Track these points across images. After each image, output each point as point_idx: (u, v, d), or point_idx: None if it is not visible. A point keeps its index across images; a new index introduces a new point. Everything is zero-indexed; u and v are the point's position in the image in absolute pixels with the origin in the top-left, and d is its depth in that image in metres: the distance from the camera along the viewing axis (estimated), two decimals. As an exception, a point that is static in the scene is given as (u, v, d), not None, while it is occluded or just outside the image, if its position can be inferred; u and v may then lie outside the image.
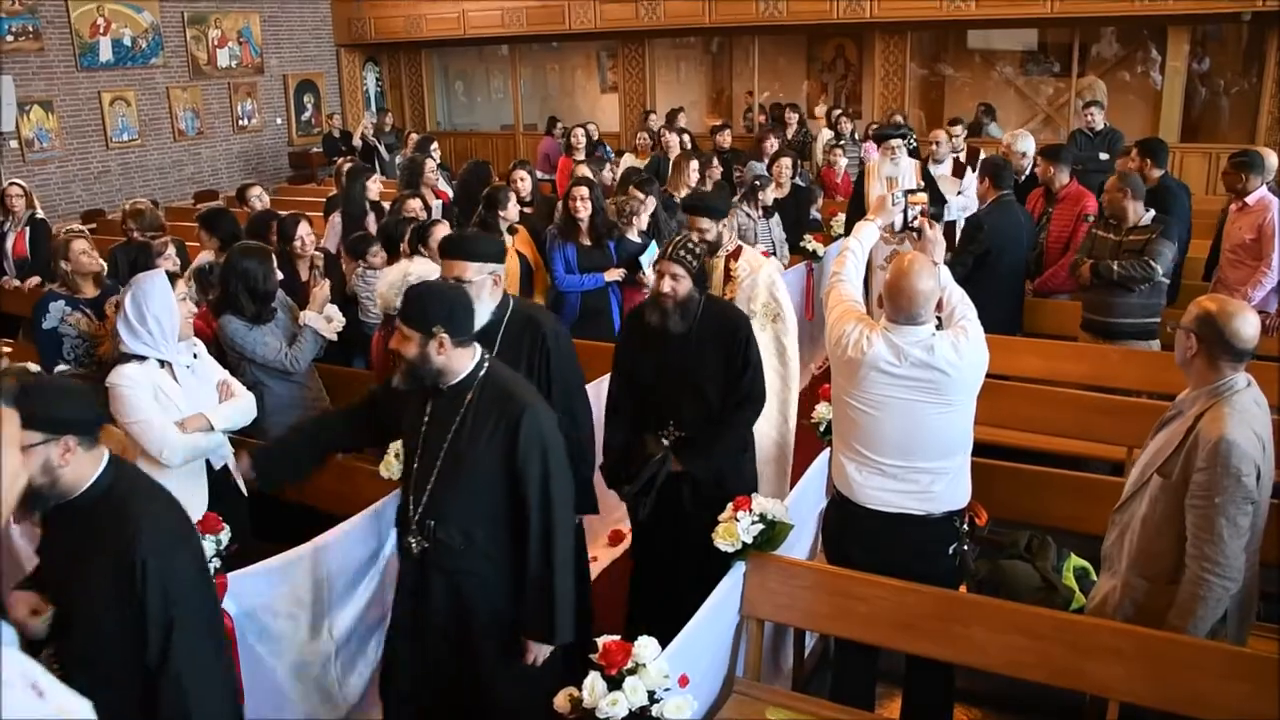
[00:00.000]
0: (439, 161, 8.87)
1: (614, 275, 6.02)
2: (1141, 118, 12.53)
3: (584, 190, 5.95)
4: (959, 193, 7.95)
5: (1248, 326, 2.96)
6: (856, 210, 7.22)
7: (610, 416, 4.09)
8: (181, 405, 3.69)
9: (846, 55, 14.37)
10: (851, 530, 3.48)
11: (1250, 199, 5.88)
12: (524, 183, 6.91)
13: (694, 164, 7.69)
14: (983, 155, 8.67)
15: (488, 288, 3.50)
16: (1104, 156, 8.50)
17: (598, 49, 15.96)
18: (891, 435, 3.30)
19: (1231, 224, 6.02)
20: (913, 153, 8.14)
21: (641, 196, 6.41)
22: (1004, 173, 6.29)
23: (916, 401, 3.25)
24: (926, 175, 7.60)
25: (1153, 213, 5.45)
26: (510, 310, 3.66)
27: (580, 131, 9.93)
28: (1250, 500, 2.88)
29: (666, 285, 3.78)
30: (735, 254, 4.74)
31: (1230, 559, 2.89)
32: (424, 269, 4.45)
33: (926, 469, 3.32)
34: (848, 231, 7.36)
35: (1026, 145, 7.37)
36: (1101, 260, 5.41)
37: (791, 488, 4.21)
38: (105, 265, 5.26)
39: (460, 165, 9.38)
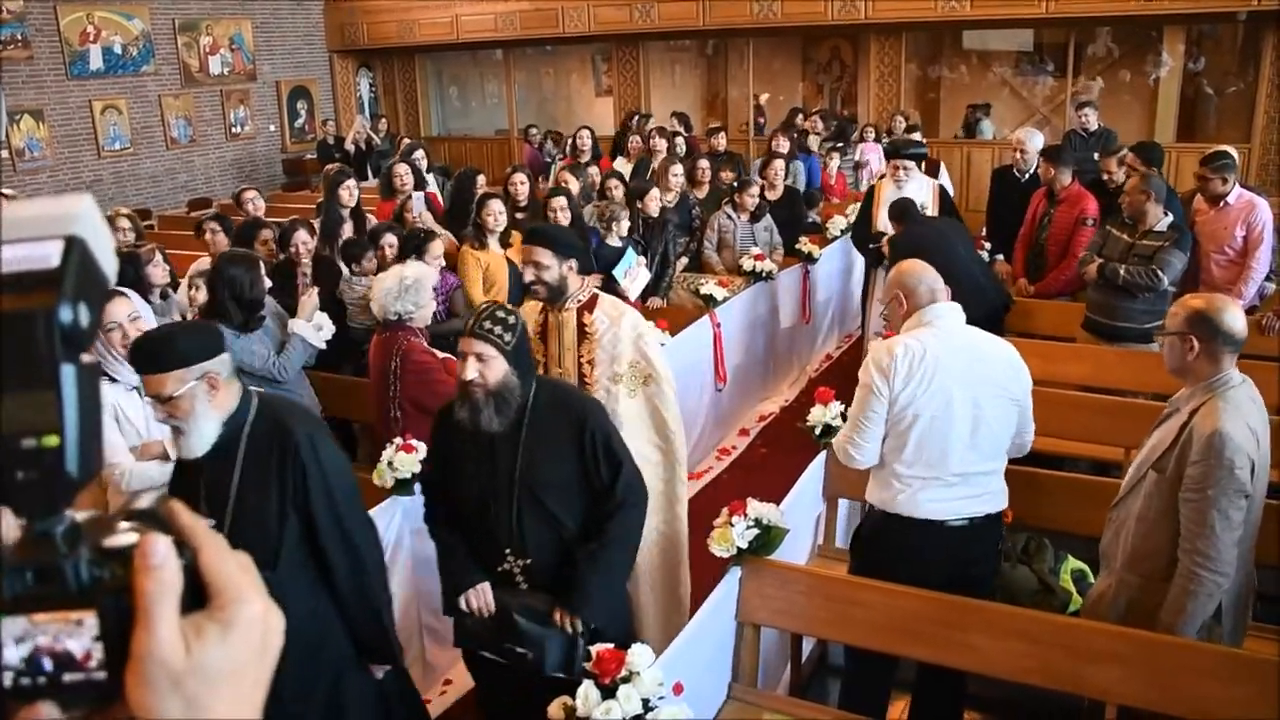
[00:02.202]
0: (429, 165, 8.85)
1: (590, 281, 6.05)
2: (1137, 118, 12.53)
3: (562, 200, 6.10)
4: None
5: (1240, 317, 3.05)
6: (862, 228, 7.01)
7: (432, 530, 3.26)
8: (142, 430, 3.63)
9: (842, 57, 14.36)
10: (893, 544, 3.40)
11: (1231, 198, 5.89)
12: (523, 186, 6.93)
13: (677, 168, 7.67)
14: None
15: (200, 397, 2.66)
16: (1097, 157, 8.47)
17: (592, 52, 15.93)
18: (962, 438, 3.25)
19: (1213, 225, 5.98)
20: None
21: (622, 201, 6.45)
22: (909, 211, 6.20)
23: (979, 396, 3.24)
24: (944, 196, 6.92)
25: (1170, 218, 5.39)
26: (253, 416, 2.78)
27: (585, 134, 9.92)
28: (1243, 493, 2.88)
29: (471, 370, 2.93)
30: (590, 304, 3.83)
31: (1222, 553, 2.89)
32: (418, 271, 4.44)
33: (989, 470, 3.34)
34: (860, 248, 7.15)
35: (1037, 143, 7.33)
36: (1111, 260, 5.38)
37: (692, 609, 3.63)
38: None
39: (455, 171, 9.37)
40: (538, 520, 3.06)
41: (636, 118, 11.88)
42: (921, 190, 6.73)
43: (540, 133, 12.42)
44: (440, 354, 4.37)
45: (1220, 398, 2.96)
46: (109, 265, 0.63)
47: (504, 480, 3.04)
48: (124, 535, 0.63)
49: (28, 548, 0.61)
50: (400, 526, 3.96)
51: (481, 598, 3.09)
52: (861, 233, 7.06)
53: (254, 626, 0.65)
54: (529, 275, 3.64)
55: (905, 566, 3.31)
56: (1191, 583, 2.92)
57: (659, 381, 3.77)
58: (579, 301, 3.81)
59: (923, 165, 6.78)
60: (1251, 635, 3.47)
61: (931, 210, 6.58)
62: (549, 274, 3.66)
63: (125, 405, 3.61)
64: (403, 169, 7.65)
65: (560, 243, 3.73)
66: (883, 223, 6.51)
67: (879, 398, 3.23)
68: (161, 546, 0.62)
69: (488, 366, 2.94)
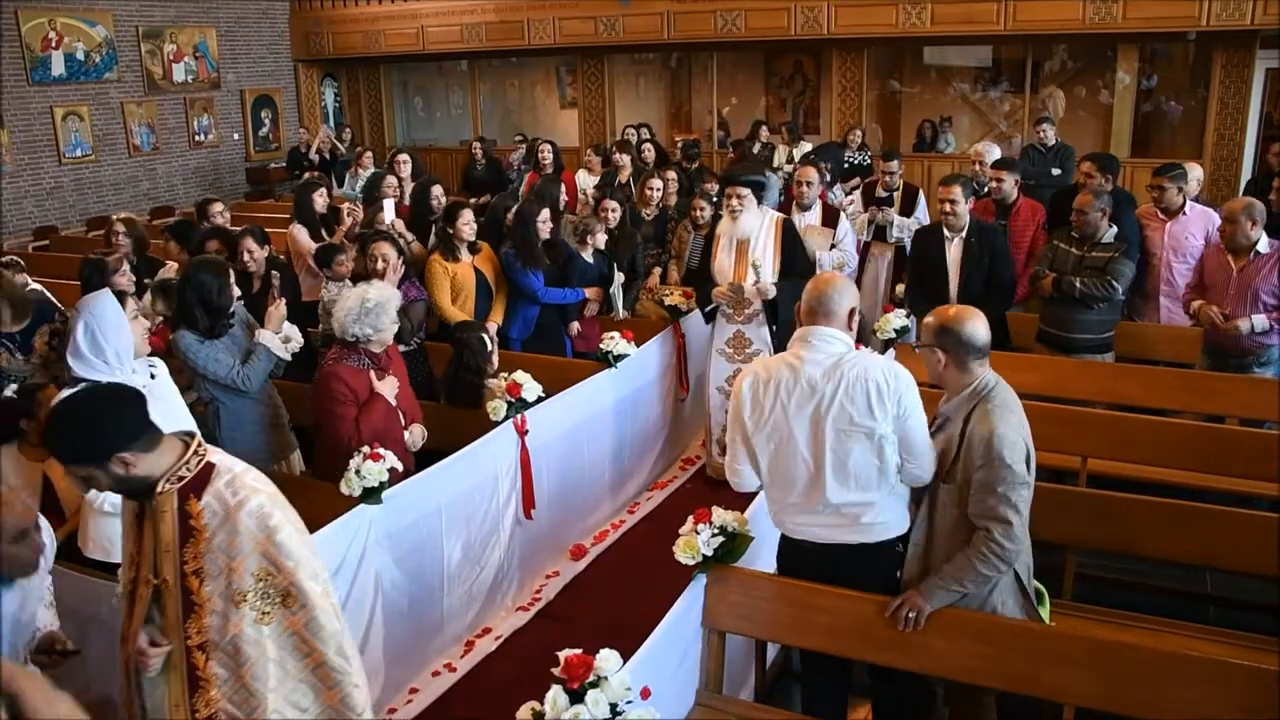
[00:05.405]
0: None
1: (592, 293, 6.33)
2: (1093, 133, 12.77)
3: (545, 214, 6.19)
4: (832, 247, 6.57)
5: (982, 327, 3.16)
6: (703, 275, 5.99)
7: None
8: None
9: (805, 71, 14.52)
10: (797, 562, 3.44)
11: (1188, 208, 6.05)
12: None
13: (655, 182, 7.76)
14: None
15: None
16: (1056, 172, 8.62)
17: (557, 64, 15.99)
18: (819, 469, 3.19)
19: (1173, 233, 6.03)
20: (863, 170, 7.93)
21: (600, 217, 6.53)
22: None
23: (827, 430, 3.14)
24: (788, 233, 5.81)
25: (1115, 229, 5.51)
26: None
27: (547, 148, 9.92)
28: (1026, 485, 3.06)
29: None
30: (200, 481, 2.54)
31: (1015, 543, 3.06)
32: (381, 294, 4.30)
33: (861, 502, 3.22)
34: (703, 302, 5.93)
35: (996, 157, 7.44)
36: (1064, 274, 5.47)
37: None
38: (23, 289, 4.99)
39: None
40: None
41: (638, 127, 11.84)
42: (761, 225, 5.77)
43: (527, 144, 11.90)
44: (376, 390, 4.27)
45: (987, 401, 3.12)
46: None
47: None
48: None
49: None
50: (366, 536, 3.96)
51: None
52: (703, 281, 5.97)
53: None
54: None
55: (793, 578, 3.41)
56: (980, 563, 3.06)
57: (305, 597, 2.55)
58: (181, 478, 2.54)
59: (763, 196, 5.78)
60: (1193, 637, 3.66)
61: (772, 251, 5.72)
62: (138, 467, 2.47)
63: None
64: (391, 180, 7.74)
65: (110, 440, 2.43)
66: (720, 264, 5.80)
67: (736, 424, 3.29)
68: None
69: None
